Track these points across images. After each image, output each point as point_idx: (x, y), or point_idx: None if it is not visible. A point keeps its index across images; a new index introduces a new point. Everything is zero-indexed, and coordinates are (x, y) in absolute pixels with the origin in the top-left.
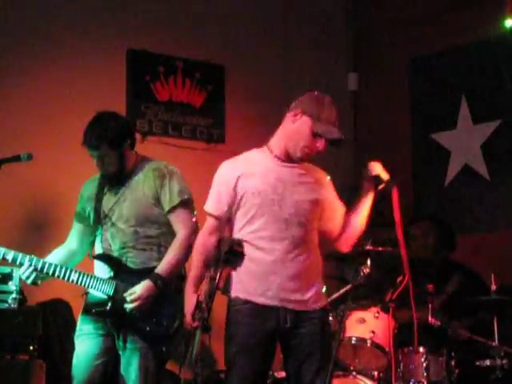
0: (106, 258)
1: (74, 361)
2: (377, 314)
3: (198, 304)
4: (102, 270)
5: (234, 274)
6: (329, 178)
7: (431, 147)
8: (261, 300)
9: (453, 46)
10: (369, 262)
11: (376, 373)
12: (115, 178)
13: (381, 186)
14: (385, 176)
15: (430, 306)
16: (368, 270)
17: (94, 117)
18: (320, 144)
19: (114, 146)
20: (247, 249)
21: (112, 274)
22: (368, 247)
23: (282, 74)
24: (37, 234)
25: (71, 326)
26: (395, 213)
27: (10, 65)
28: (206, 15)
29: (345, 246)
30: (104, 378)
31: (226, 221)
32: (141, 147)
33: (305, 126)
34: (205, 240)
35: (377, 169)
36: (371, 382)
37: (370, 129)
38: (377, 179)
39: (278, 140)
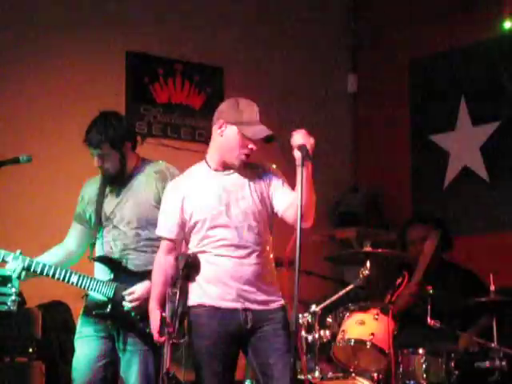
0: (106, 260)
1: (74, 363)
2: (376, 316)
3: (163, 319)
4: (102, 272)
5: (193, 284)
6: (273, 165)
7: (430, 149)
8: (221, 303)
9: (452, 48)
10: (368, 263)
11: (376, 374)
12: (115, 179)
13: (303, 156)
14: (310, 146)
15: (429, 307)
16: (367, 272)
17: (97, 116)
18: (252, 145)
19: (115, 146)
20: (206, 256)
21: (112, 276)
22: (367, 249)
23: (281, 76)
24: (36, 236)
25: (70, 328)
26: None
27: (9, 67)
28: (205, 17)
29: (310, 219)
30: (104, 380)
31: (181, 239)
32: (140, 149)
33: (232, 135)
34: (161, 260)
35: (299, 139)
36: (371, 383)
37: (369, 130)
38: (302, 150)
39: (212, 154)
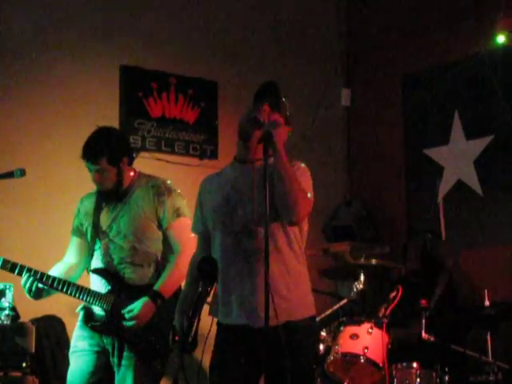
0: (103, 272)
1: (69, 377)
2: (370, 330)
3: (173, 327)
4: (98, 284)
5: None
6: (298, 165)
7: (424, 163)
8: (228, 321)
9: (445, 62)
10: (362, 277)
11: None
12: (112, 194)
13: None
14: (277, 130)
15: (423, 321)
16: (361, 286)
17: (95, 131)
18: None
19: (112, 162)
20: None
21: (109, 288)
22: (361, 262)
23: None
24: (30, 249)
25: (64, 342)
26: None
27: (3, 81)
28: (199, 31)
29: (290, 216)
30: None
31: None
32: (134, 163)
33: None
34: (194, 257)
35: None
36: None
37: (363, 144)
38: (265, 137)
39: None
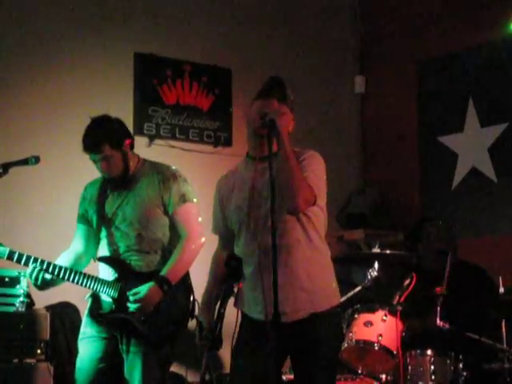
0: (110, 260)
1: (78, 364)
2: (384, 317)
3: (201, 324)
4: (106, 272)
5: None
6: (309, 151)
7: (438, 150)
8: (254, 316)
9: (459, 49)
10: (376, 265)
11: (384, 376)
12: (118, 181)
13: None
14: (278, 116)
15: (438, 308)
16: (375, 273)
17: (89, 123)
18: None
19: (115, 146)
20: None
21: (116, 276)
22: (376, 250)
23: (289, 78)
24: (45, 237)
25: (79, 329)
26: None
27: (18, 68)
28: (213, 18)
29: (288, 205)
30: (107, 381)
31: (231, 236)
32: (148, 150)
33: (249, 109)
34: (215, 255)
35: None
36: None
37: (377, 131)
38: (266, 122)
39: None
